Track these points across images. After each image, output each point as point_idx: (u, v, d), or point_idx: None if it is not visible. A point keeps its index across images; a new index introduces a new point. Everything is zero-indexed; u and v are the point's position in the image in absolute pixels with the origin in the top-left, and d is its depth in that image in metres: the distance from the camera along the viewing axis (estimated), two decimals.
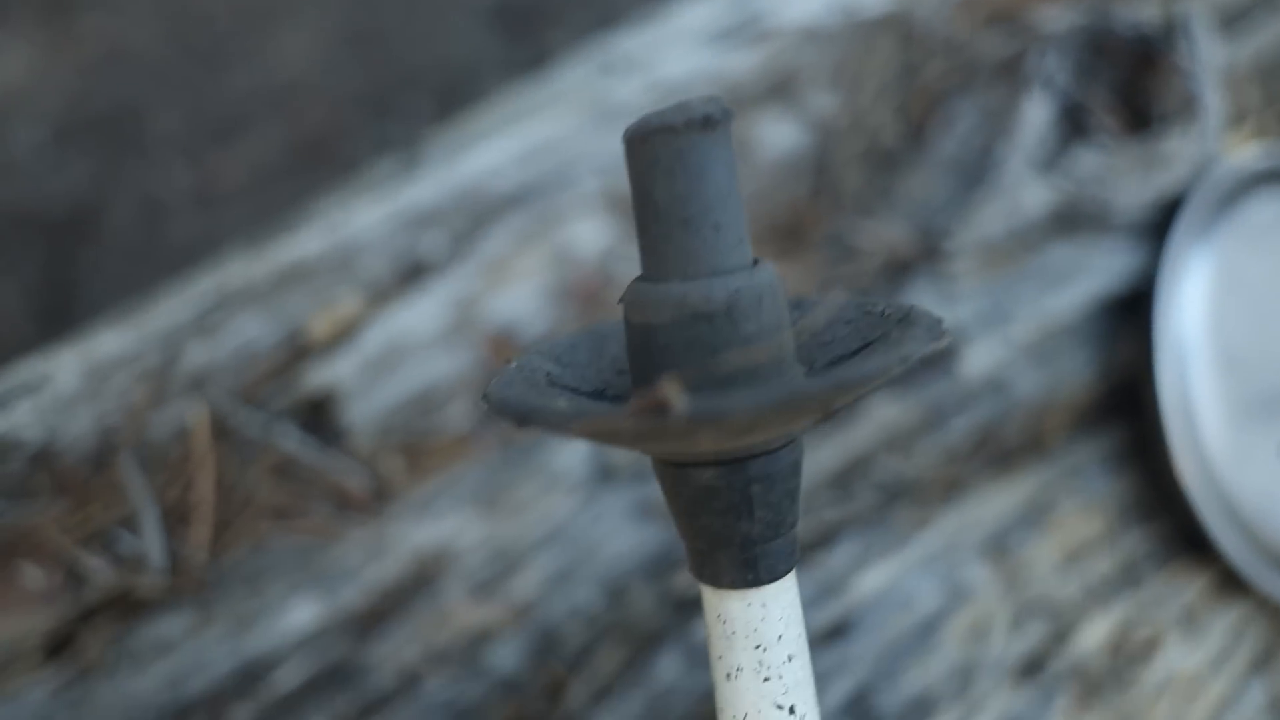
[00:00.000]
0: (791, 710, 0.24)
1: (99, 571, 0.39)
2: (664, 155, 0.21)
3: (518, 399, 0.21)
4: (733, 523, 0.23)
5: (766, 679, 0.24)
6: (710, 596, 0.24)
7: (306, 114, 1.05)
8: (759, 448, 0.22)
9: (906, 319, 0.23)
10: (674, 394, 0.17)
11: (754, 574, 0.23)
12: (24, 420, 0.42)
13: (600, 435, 0.20)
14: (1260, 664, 0.45)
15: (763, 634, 0.24)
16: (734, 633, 0.24)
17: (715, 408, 0.18)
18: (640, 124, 0.22)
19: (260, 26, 1.13)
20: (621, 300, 0.23)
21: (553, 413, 0.19)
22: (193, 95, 1.05)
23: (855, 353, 0.24)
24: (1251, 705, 0.44)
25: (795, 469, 0.23)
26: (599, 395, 0.25)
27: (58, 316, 0.87)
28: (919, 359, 0.20)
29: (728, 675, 0.24)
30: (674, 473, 0.23)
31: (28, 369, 0.43)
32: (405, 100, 1.08)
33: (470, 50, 1.14)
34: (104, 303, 0.88)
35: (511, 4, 1.21)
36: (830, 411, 0.21)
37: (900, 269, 0.48)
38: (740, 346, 0.21)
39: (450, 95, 1.07)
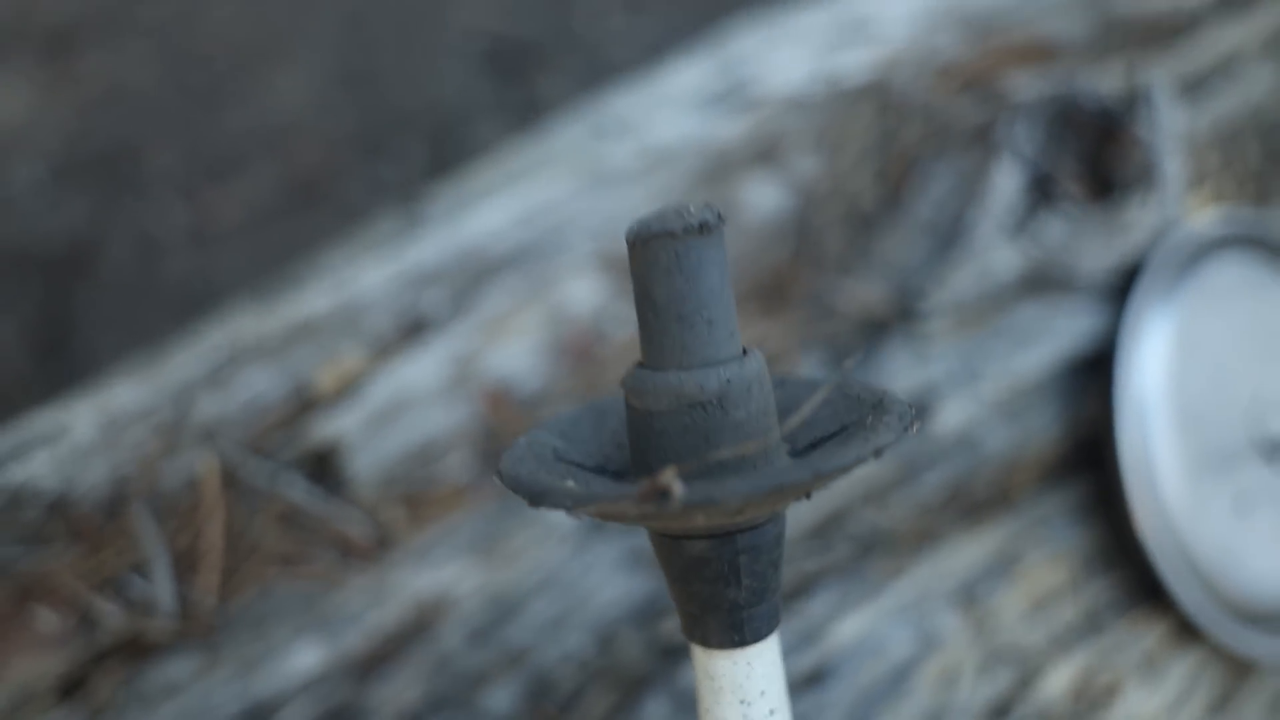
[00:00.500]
0: None
1: (111, 616, 0.41)
2: (663, 257, 0.24)
3: (529, 478, 0.23)
4: (721, 590, 0.25)
5: None
6: (700, 655, 0.26)
7: (301, 154, 1.07)
8: (746, 523, 0.24)
9: (880, 405, 0.25)
10: (672, 482, 0.20)
11: (740, 636, 0.25)
12: (42, 470, 0.43)
13: (606, 515, 0.22)
14: (1216, 709, 0.47)
15: (747, 690, 0.26)
16: (721, 689, 0.26)
17: (709, 495, 0.20)
18: (641, 227, 0.24)
19: (256, 67, 1.16)
20: (623, 384, 0.25)
21: (563, 494, 0.22)
22: (190, 135, 1.08)
23: (833, 435, 0.26)
24: None
25: (779, 540, 0.25)
26: (601, 470, 0.27)
27: (55, 353, 0.89)
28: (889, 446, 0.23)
29: None
30: (669, 543, 0.25)
31: (46, 420, 0.45)
32: (398, 142, 1.10)
33: (462, 93, 1.17)
34: (101, 340, 0.89)
35: (502, 48, 1.24)
36: (809, 494, 0.23)
37: (877, 328, 0.51)
38: (731, 431, 0.24)
39: (442, 138, 1.10)
